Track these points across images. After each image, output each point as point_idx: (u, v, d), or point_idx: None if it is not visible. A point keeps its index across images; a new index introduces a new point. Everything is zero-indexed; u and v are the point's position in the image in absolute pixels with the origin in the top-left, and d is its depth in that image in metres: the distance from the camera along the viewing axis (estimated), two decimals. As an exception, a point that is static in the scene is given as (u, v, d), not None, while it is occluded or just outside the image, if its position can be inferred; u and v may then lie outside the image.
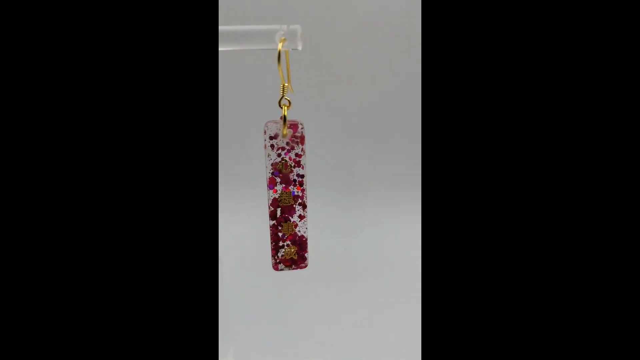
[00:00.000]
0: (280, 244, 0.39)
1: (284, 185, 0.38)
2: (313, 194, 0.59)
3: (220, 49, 0.35)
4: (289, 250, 0.39)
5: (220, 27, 0.35)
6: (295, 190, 0.38)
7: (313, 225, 0.38)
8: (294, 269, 0.39)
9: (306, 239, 0.39)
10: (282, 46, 0.35)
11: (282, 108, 0.37)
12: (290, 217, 0.38)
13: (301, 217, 0.38)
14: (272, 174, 0.37)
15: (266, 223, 0.39)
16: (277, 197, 0.38)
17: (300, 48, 0.36)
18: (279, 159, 0.37)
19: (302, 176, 0.38)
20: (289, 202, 0.38)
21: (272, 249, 0.39)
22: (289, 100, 0.37)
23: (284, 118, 0.37)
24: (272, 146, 0.37)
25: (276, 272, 0.40)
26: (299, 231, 0.38)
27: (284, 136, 0.37)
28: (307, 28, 0.37)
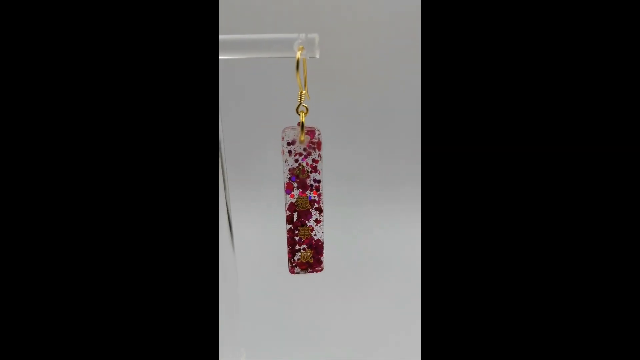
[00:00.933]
0: (297, 247, 0.39)
1: (300, 190, 0.38)
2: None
3: (237, 56, 0.36)
4: (305, 254, 0.39)
5: (239, 36, 0.36)
6: (312, 195, 0.38)
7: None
8: (309, 272, 0.40)
9: (322, 243, 0.39)
10: (300, 54, 0.36)
11: (299, 115, 0.38)
12: (306, 222, 0.39)
13: (317, 221, 0.39)
14: (290, 179, 0.38)
15: (283, 227, 0.40)
16: (294, 201, 0.38)
17: (317, 56, 0.37)
18: (296, 165, 0.38)
19: (319, 181, 0.38)
20: (306, 207, 0.39)
21: (289, 253, 0.39)
22: (306, 107, 0.38)
23: (302, 124, 0.37)
24: (289, 152, 0.38)
25: (290, 274, 0.40)
26: (315, 235, 0.39)
27: (301, 142, 0.38)
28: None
